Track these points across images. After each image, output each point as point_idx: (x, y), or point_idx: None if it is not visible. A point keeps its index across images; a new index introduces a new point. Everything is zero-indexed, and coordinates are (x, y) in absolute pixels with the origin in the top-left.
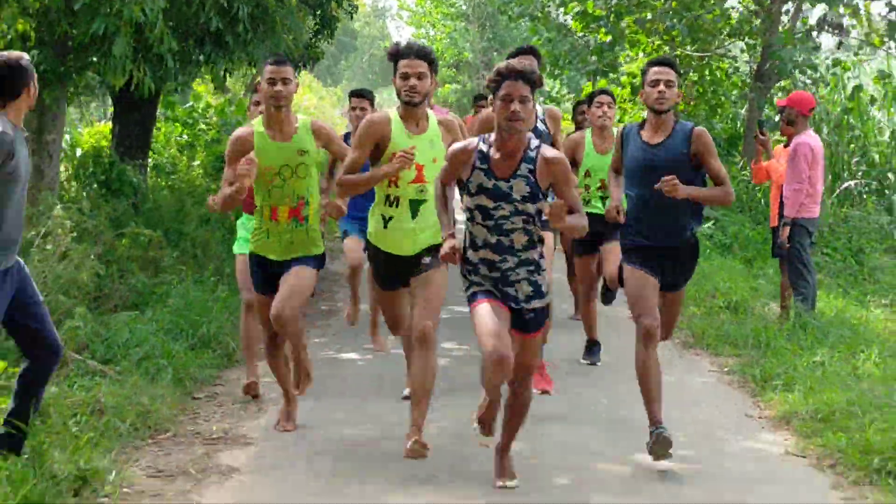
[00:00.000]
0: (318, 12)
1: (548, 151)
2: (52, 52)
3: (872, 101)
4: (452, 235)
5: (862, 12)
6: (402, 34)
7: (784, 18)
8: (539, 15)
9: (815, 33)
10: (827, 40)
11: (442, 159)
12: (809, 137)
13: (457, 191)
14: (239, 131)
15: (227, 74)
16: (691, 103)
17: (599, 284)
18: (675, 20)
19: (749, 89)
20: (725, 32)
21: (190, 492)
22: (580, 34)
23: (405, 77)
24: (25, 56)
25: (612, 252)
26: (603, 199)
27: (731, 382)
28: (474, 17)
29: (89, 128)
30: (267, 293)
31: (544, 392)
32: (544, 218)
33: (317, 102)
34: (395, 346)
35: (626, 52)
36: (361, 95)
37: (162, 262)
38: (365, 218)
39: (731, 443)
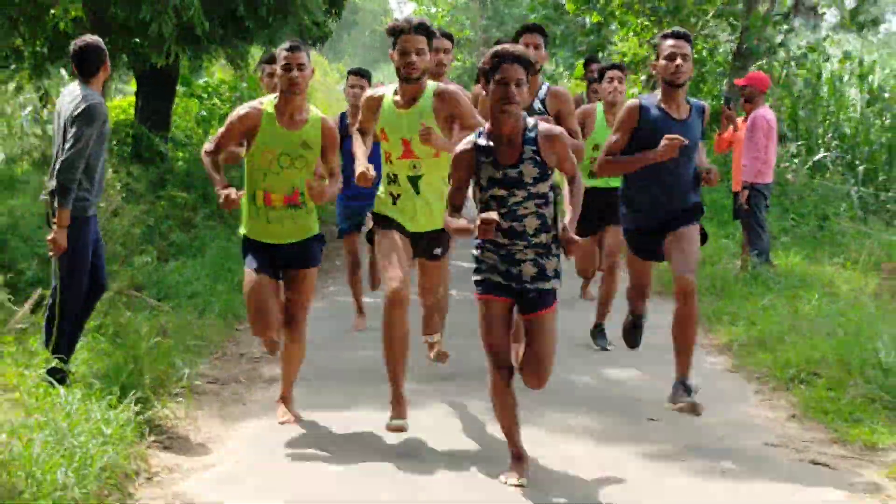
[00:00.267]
0: None
1: (545, 129)
2: (100, 35)
3: (840, 79)
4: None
5: None
6: (404, 10)
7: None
8: None
9: (791, 16)
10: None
11: (436, 132)
12: (766, 112)
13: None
14: (247, 108)
15: (247, 54)
16: None
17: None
18: (659, 2)
19: (730, 68)
20: (711, 14)
21: (242, 394)
22: (574, 15)
23: (404, 53)
24: (99, 39)
25: (614, 235)
26: None
27: None
28: None
29: (109, 102)
30: (262, 272)
31: None
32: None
33: (322, 78)
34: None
35: (616, 32)
36: (359, 74)
37: (194, 221)
38: (361, 210)
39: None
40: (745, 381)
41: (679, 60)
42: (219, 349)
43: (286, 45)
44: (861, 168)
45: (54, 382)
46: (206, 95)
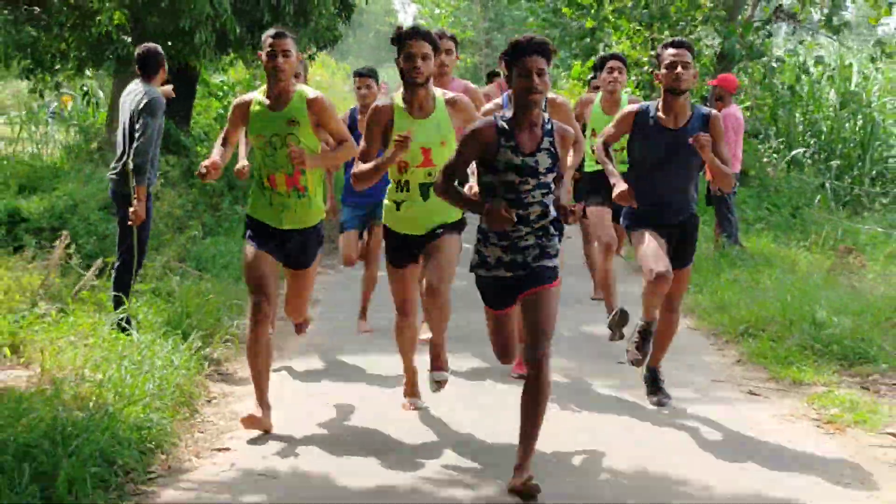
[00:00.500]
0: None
1: (559, 124)
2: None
3: (819, 81)
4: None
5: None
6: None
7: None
8: None
9: (771, 22)
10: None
11: (452, 141)
12: (735, 110)
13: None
14: (240, 98)
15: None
16: None
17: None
18: (644, 9)
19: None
20: (699, 19)
21: (277, 341)
22: (570, 19)
23: (409, 58)
24: (158, 46)
25: (603, 216)
26: None
27: None
28: None
29: None
30: (262, 248)
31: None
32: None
33: (329, 78)
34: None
35: (610, 35)
36: (365, 75)
37: (221, 206)
38: (365, 206)
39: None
40: (703, 336)
41: (679, 69)
42: None
43: (271, 31)
44: (835, 163)
45: (127, 327)
46: (221, 94)
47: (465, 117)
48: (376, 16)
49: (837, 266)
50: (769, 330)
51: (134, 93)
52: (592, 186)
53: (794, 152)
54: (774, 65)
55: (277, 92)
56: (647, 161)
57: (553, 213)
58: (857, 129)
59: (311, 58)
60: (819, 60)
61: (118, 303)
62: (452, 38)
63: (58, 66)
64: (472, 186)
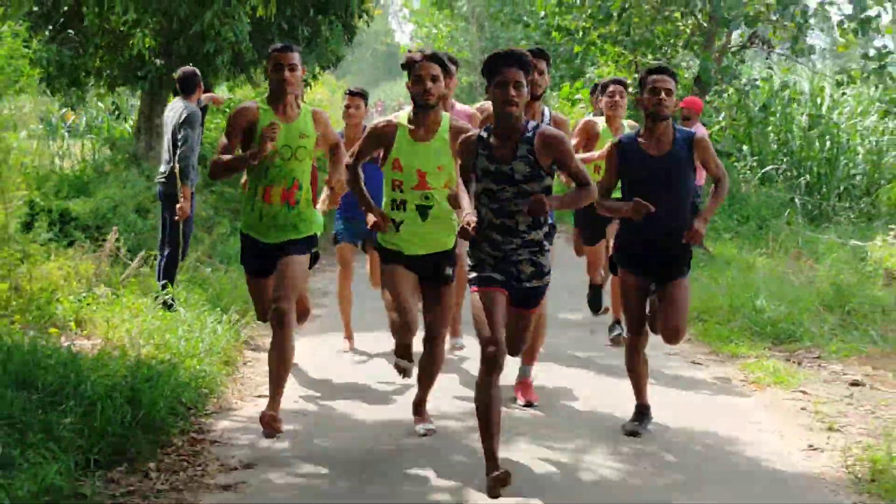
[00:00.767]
0: (341, 22)
1: (546, 130)
2: (166, 60)
3: (789, 103)
4: (471, 215)
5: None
6: (405, 30)
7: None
8: (530, 22)
9: (746, 47)
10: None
11: (450, 168)
12: (699, 129)
13: None
14: (243, 104)
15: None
16: None
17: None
18: (627, 35)
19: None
20: (681, 45)
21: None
22: (559, 43)
23: (419, 80)
24: (195, 69)
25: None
26: None
27: None
28: (473, 18)
29: None
30: (259, 275)
31: (528, 405)
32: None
33: (329, 96)
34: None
35: (597, 58)
36: (356, 94)
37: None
38: (359, 219)
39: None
40: None
41: (662, 95)
42: None
43: (278, 46)
44: (803, 179)
45: (173, 303)
46: (228, 109)
47: None
48: (375, 34)
49: (790, 268)
50: (717, 315)
51: (176, 109)
52: (586, 221)
53: (765, 169)
54: (747, 88)
55: (284, 104)
56: (634, 191)
57: (547, 226)
58: (825, 148)
59: (314, 77)
60: (786, 85)
61: (164, 288)
62: (453, 60)
63: (91, 84)
64: (468, 214)
